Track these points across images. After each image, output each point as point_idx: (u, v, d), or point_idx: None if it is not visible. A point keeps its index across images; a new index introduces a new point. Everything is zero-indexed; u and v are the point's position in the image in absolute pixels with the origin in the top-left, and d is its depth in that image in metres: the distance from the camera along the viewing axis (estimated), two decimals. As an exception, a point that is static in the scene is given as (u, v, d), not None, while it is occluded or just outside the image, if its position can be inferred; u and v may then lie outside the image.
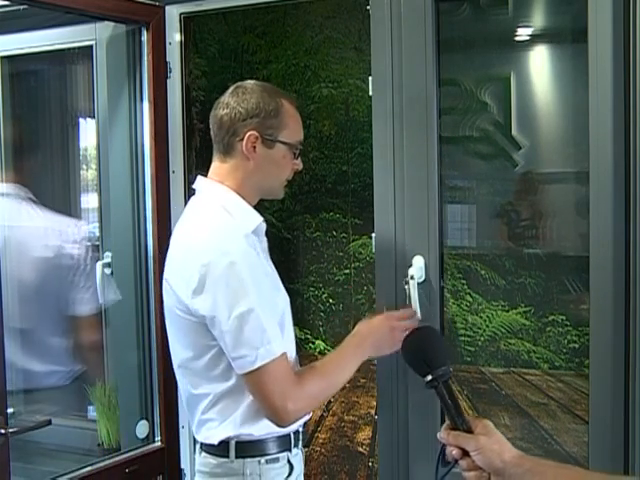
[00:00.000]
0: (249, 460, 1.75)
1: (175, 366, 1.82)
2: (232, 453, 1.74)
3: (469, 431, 1.25)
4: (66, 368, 2.60)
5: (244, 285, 1.64)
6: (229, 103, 1.77)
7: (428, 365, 1.29)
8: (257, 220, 1.78)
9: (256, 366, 1.63)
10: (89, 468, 2.28)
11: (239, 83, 1.83)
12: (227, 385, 1.72)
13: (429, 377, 1.29)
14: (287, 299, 1.83)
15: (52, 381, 2.55)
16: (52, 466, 2.39)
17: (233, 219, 1.73)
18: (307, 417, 1.86)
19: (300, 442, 1.86)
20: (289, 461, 1.80)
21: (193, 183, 1.84)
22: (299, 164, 1.84)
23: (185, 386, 1.80)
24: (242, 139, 1.75)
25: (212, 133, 1.82)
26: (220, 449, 1.76)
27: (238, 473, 1.75)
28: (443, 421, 2.07)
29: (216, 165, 1.81)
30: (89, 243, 2.61)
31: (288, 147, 1.79)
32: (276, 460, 1.77)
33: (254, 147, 1.75)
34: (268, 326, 1.66)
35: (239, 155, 1.77)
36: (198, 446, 1.83)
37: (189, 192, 1.85)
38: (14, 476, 1.98)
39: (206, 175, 1.82)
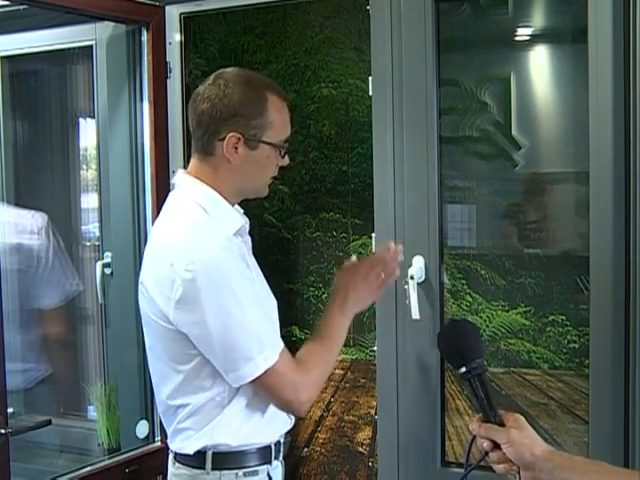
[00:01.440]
0: (226, 472, 1.65)
1: (153, 375, 1.73)
2: (208, 464, 1.64)
3: (501, 424, 1.25)
4: (33, 366, 2.53)
5: (232, 293, 1.55)
6: (210, 97, 1.61)
7: (462, 357, 1.29)
8: (239, 222, 1.67)
9: (256, 375, 1.57)
10: (89, 468, 2.28)
11: (220, 72, 1.66)
12: (207, 395, 1.62)
13: (463, 369, 1.29)
14: (275, 304, 1.74)
15: (20, 380, 2.46)
16: (52, 466, 2.40)
17: (211, 219, 1.62)
18: (289, 427, 1.78)
19: (281, 454, 1.75)
20: (269, 474, 1.70)
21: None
22: (285, 161, 1.72)
23: (161, 397, 1.70)
24: (223, 139, 1.61)
25: (190, 127, 1.68)
26: (195, 460, 1.66)
27: None
28: (444, 421, 2.09)
29: (195, 163, 1.68)
30: (51, 233, 2.52)
31: (273, 147, 1.66)
32: (255, 473, 1.67)
33: (236, 148, 1.62)
34: (261, 331, 1.59)
35: (219, 155, 1.63)
36: (171, 456, 1.73)
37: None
38: (14, 476, 1.98)
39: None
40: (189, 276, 1.52)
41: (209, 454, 1.65)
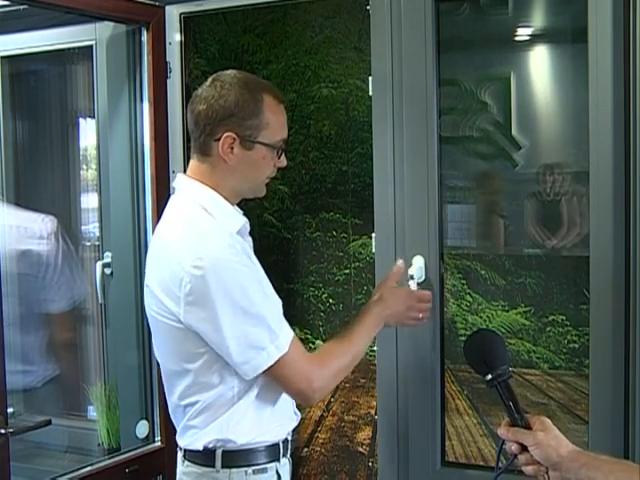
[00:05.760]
0: (235, 470, 1.67)
1: (163, 375, 1.75)
2: (218, 463, 1.66)
3: (527, 427, 1.30)
4: (39, 368, 2.55)
5: (240, 287, 1.58)
6: (206, 98, 1.65)
7: (487, 365, 1.34)
8: (240, 221, 1.70)
9: (269, 364, 1.60)
10: (89, 468, 2.28)
11: (218, 74, 1.70)
12: (215, 392, 1.65)
13: (489, 376, 1.33)
14: (280, 303, 1.75)
15: (26, 381, 2.49)
16: (52, 466, 2.40)
17: (214, 219, 1.65)
18: (295, 424, 1.80)
19: (289, 451, 1.78)
20: (277, 472, 1.72)
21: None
22: (282, 162, 1.74)
23: (173, 397, 1.72)
24: (219, 140, 1.64)
25: (189, 128, 1.71)
26: (205, 458, 1.68)
27: None
28: (444, 421, 2.09)
29: (194, 164, 1.71)
30: (60, 238, 2.53)
31: (269, 148, 1.68)
32: (264, 470, 1.70)
33: (231, 148, 1.64)
34: (272, 321, 1.61)
35: (216, 155, 1.66)
36: (181, 454, 1.74)
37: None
38: (14, 476, 1.98)
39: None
40: (198, 273, 1.55)
41: (219, 452, 1.67)
